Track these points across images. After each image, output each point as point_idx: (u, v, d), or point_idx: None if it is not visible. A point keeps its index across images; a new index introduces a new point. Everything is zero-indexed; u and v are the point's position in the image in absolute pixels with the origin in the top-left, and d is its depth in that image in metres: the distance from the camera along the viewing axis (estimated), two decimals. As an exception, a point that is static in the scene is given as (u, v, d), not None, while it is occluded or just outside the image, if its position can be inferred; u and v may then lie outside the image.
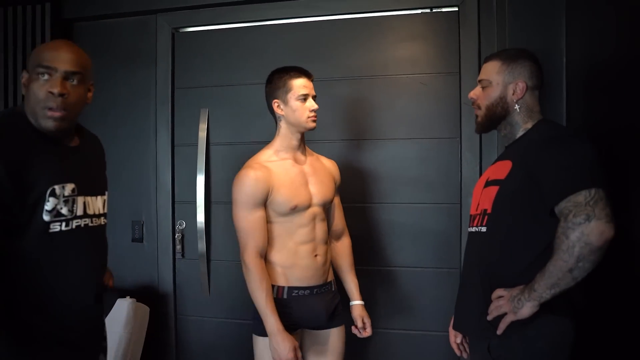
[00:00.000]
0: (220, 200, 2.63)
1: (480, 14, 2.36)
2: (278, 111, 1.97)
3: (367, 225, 2.47)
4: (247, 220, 1.90)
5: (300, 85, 1.94)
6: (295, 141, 1.99)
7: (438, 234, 2.43)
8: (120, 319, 2.40)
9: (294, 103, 1.93)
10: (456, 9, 2.41)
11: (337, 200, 2.15)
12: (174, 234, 2.67)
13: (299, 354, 1.86)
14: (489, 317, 1.53)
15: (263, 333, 1.90)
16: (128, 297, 2.47)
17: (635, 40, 1.53)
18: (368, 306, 2.16)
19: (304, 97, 1.94)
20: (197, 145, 2.61)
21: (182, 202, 2.68)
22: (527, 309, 1.44)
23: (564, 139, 1.52)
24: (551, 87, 2.08)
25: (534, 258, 1.49)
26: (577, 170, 1.42)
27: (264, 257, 1.95)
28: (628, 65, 1.57)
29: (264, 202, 1.92)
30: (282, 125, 1.99)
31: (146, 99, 2.71)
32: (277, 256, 1.97)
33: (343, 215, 2.19)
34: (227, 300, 2.62)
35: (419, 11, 2.47)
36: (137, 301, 2.50)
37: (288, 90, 1.94)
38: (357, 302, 2.12)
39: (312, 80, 1.99)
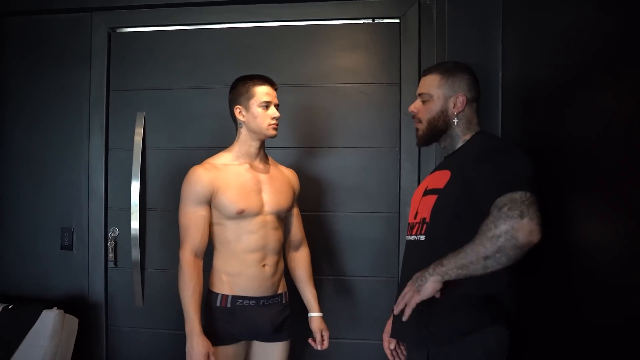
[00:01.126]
0: (155, 207, 2.56)
1: (421, 27, 2.39)
2: (239, 117, 1.96)
3: (307, 233, 2.41)
4: (188, 216, 1.90)
5: (263, 92, 1.94)
6: (253, 148, 1.98)
7: (377, 243, 2.44)
8: (46, 332, 2.27)
9: (256, 110, 1.93)
10: (397, 20, 2.44)
11: (295, 211, 2.15)
12: (106, 242, 2.57)
13: None
14: (395, 311, 1.52)
15: (215, 342, 1.87)
16: (55, 308, 2.34)
17: (566, 57, 1.58)
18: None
19: (266, 105, 1.94)
20: (132, 150, 2.53)
21: (115, 209, 2.59)
22: (430, 284, 1.44)
23: (501, 149, 1.56)
24: (487, 99, 2.12)
25: None
26: (514, 175, 1.43)
27: (200, 257, 1.91)
28: (560, 81, 1.62)
29: (208, 201, 1.90)
30: (242, 131, 1.98)
31: (79, 101, 2.60)
32: (223, 263, 1.94)
33: (302, 225, 2.18)
34: (161, 310, 2.54)
35: (362, 21, 2.48)
36: (65, 312, 2.38)
37: (251, 96, 1.93)
38: (315, 314, 2.10)
39: (275, 90, 1.99)
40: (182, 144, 2.55)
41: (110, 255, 2.57)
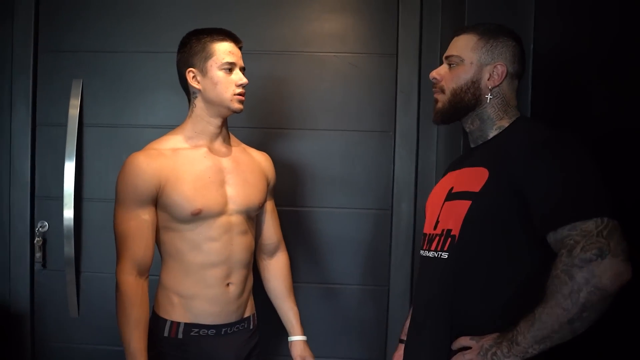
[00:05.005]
0: (94, 196, 2.21)
1: (425, -16, 2.11)
2: (193, 84, 1.54)
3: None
4: (126, 222, 1.49)
5: (224, 50, 1.53)
6: (212, 126, 1.58)
7: (365, 244, 2.17)
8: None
9: (216, 74, 1.53)
10: (395, -25, 2.14)
11: (270, 206, 1.77)
12: (32, 238, 2.22)
13: None
14: None
15: None
16: (-37, 323, 1.94)
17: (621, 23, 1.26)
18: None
19: (229, 67, 1.54)
20: (66, 126, 2.18)
21: (44, 198, 2.23)
22: None
23: (559, 144, 1.21)
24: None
25: (512, 296, 1.21)
26: (583, 190, 1.13)
27: (145, 275, 1.52)
28: (611, 52, 1.30)
29: (152, 201, 1.50)
30: (197, 103, 1.57)
31: None
32: (173, 280, 1.56)
33: (279, 224, 1.81)
34: (100, 321, 2.20)
35: (352, -24, 2.17)
36: None
37: (208, 56, 1.53)
38: (297, 338, 1.75)
39: (240, 48, 1.59)
40: (128, 120, 2.22)
41: (38, 254, 2.23)
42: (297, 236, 2.17)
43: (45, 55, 2.22)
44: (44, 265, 2.22)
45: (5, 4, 2.18)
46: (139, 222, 1.49)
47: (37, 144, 2.22)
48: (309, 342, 1.78)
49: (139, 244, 1.49)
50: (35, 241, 2.20)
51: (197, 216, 1.51)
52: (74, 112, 2.17)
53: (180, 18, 2.16)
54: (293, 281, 1.90)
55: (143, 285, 1.50)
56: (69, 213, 2.14)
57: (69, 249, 2.15)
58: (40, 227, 2.21)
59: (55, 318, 2.23)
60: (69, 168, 2.15)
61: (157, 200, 1.51)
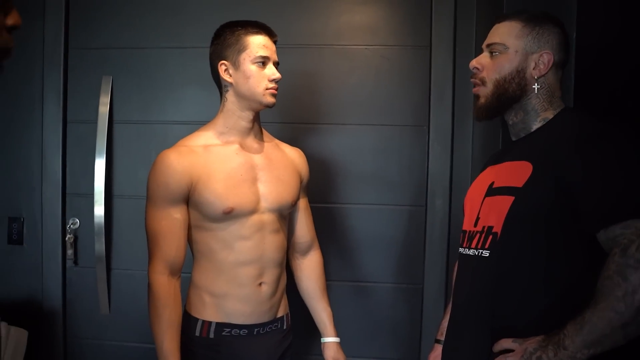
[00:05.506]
0: (124, 193, 2.20)
1: (460, -26, 2.03)
2: (225, 77, 1.51)
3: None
4: (157, 221, 1.47)
5: (258, 44, 1.49)
6: (245, 121, 1.54)
7: (398, 242, 2.11)
8: (-17, 350, 1.87)
9: (249, 67, 1.49)
10: (429, -35, 2.07)
11: (303, 203, 1.72)
12: (64, 235, 2.21)
13: None
14: None
15: None
16: (-4, 319, 1.97)
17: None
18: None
19: (263, 61, 1.50)
20: (96, 123, 2.17)
21: (75, 195, 2.22)
22: None
23: (610, 136, 1.14)
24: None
25: (556, 297, 1.15)
26: (636, 186, 1.07)
27: (177, 274, 1.50)
28: None
29: (184, 199, 1.47)
30: (229, 97, 1.53)
31: (30, 61, 2.20)
32: (205, 279, 1.53)
33: (312, 222, 1.76)
34: (131, 318, 2.19)
35: (383, -34, 2.11)
36: (12, 323, 2.00)
37: (242, 49, 1.49)
38: (330, 340, 1.70)
39: (275, 42, 1.55)
40: (157, 116, 2.20)
41: (69, 251, 2.22)
42: (329, 233, 2.12)
43: (75, 52, 2.22)
44: (75, 263, 2.22)
45: (36, 2, 2.18)
46: (171, 221, 1.46)
47: (68, 141, 2.22)
48: (341, 342, 1.74)
49: (171, 243, 1.46)
50: (66, 238, 2.20)
51: (229, 215, 1.47)
52: (104, 109, 2.16)
53: (207, 13, 2.13)
54: (328, 279, 1.86)
55: (175, 285, 1.48)
56: (99, 210, 2.14)
57: (100, 246, 2.15)
58: (72, 224, 2.21)
59: (86, 315, 2.23)
60: (99, 165, 2.14)
61: (188, 199, 1.48)
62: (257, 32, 1.51)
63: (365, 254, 2.13)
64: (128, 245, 2.19)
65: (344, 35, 2.12)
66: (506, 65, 1.27)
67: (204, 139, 1.53)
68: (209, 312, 1.51)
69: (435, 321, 1.73)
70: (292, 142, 2.00)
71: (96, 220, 2.14)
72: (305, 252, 1.75)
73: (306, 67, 2.13)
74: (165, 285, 1.45)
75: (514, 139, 1.34)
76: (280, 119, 2.10)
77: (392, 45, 2.10)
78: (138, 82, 2.20)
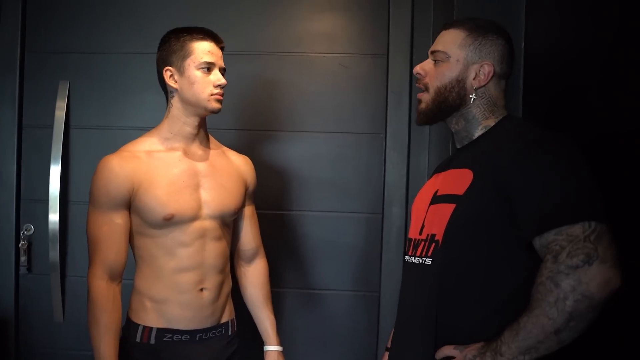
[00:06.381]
0: (80, 199, 2.15)
1: (416, -15, 2.06)
2: (170, 83, 1.51)
3: (267, 236, 2.05)
4: (98, 226, 1.46)
5: (203, 50, 1.49)
6: (190, 127, 1.53)
7: (355, 250, 2.12)
8: None
9: (193, 73, 1.48)
10: (385, -25, 2.09)
11: (249, 211, 1.71)
12: (17, 242, 2.17)
13: None
14: None
15: None
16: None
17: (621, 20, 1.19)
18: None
19: (208, 67, 1.49)
20: (52, 128, 2.14)
21: (30, 200, 2.18)
22: None
23: (547, 144, 1.15)
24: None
25: (497, 304, 1.15)
26: (571, 193, 1.07)
27: (117, 280, 1.49)
28: (610, 53, 1.24)
29: (125, 204, 1.47)
30: (175, 103, 1.53)
31: None
32: (146, 285, 1.51)
33: (258, 230, 1.75)
34: (86, 327, 2.02)
35: (342, -25, 2.12)
36: None
37: (187, 55, 1.48)
38: (272, 348, 1.69)
39: (222, 49, 1.55)
40: (116, 121, 2.18)
41: (23, 258, 2.18)
42: (285, 240, 2.11)
43: (31, 56, 2.19)
44: (29, 269, 2.18)
45: (-9, 5, 2.16)
46: (112, 226, 1.45)
47: (24, 146, 2.19)
48: (296, 351, 1.75)
49: (111, 248, 1.45)
50: (20, 245, 2.16)
51: (170, 221, 1.46)
52: (60, 113, 2.14)
53: (167, 18, 2.10)
54: (280, 287, 1.85)
55: (115, 290, 1.46)
56: (54, 216, 2.11)
57: (54, 253, 2.11)
58: (26, 230, 2.17)
59: (40, 323, 2.18)
60: (55, 170, 2.11)
61: (130, 204, 1.47)
62: (203, 38, 1.50)
63: (321, 262, 2.12)
64: (84, 251, 2.05)
65: (303, 43, 2.12)
66: (447, 73, 1.28)
67: (148, 144, 1.52)
68: (150, 317, 1.50)
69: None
70: (250, 148, 2.01)
71: (50, 226, 2.10)
72: (250, 259, 1.74)
73: (265, 74, 2.13)
74: (104, 290, 1.44)
75: (458, 146, 1.35)
76: (237, 125, 2.10)
77: (350, 53, 2.11)
78: (96, 87, 2.18)
